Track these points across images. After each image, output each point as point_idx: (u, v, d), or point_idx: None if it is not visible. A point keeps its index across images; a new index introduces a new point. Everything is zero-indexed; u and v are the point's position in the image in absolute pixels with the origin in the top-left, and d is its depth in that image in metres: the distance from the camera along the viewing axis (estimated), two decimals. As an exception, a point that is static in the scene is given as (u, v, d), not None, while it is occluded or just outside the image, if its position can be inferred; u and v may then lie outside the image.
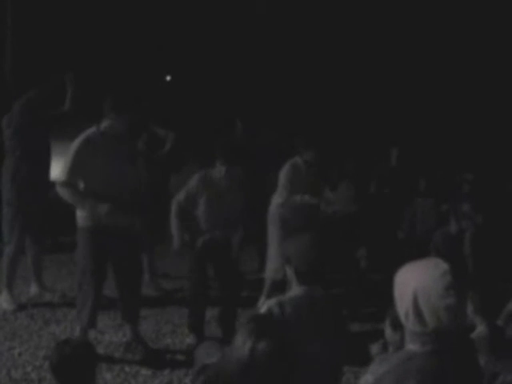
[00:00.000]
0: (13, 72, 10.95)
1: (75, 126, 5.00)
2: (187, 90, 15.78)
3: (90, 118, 4.81)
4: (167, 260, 7.34)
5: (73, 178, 4.54)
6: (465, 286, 2.28)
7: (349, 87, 14.04)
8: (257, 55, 14.67)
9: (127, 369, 4.66)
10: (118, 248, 4.66)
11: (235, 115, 7.75)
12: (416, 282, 2.22)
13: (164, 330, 5.48)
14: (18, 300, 5.94)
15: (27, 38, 11.74)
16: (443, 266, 2.23)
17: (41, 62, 6.08)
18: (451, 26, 13.52)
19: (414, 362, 2.23)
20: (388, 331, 3.20)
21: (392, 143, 8.48)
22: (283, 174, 5.92)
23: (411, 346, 2.27)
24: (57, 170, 4.92)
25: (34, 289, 6.18)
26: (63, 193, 4.55)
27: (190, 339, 5.21)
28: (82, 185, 4.58)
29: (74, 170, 4.53)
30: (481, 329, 4.70)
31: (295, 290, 3.24)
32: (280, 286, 4.52)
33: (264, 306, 3.19)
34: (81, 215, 4.64)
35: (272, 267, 5.92)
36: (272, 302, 3.15)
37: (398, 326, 2.81)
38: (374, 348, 3.32)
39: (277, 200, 6.01)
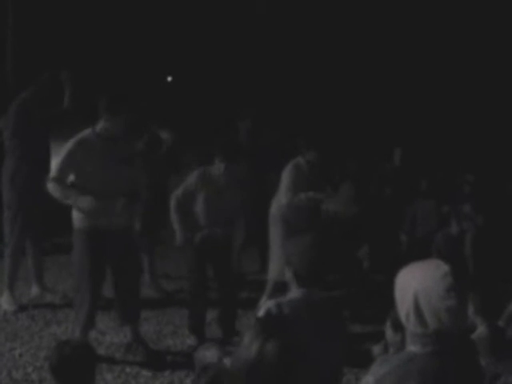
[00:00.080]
0: (14, 72, 10.95)
1: (75, 127, 5.00)
2: (188, 90, 15.79)
3: (91, 118, 4.80)
4: (168, 261, 7.34)
5: (63, 175, 4.55)
6: (466, 287, 2.28)
7: (351, 87, 14.03)
8: (257, 55, 14.67)
9: (128, 370, 4.66)
10: (114, 249, 4.65)
11: (240, 115, 7.72)
12: (417, 283, 2.22)
13: (165, 331, 5.48)
14: (19, 301, 5.94)
15: (28, 38, 11.74)
16: (444, 267, 2.23)
17: (42, 62, 6.08)
18: (454, 27, 13.51)
19: (415, 363, 2.23)
20: (389, 332, 3.21)
21: (395, 143, 8.47)
22: (286, 175, 5.91)
23: (412, 348, 2.27)
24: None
25: (35, 290, 6.18)
26: (51, 188, 4.55)
27: (190, 340, 5.21)
28: (74, 184, 4.59)
29: (65, 169, 4.55)
30: (481, 330, 4.70)
31: (294, 292, 3.24)
32: (282, 288, 4.53)
33: (262, 307, 3.19)
34: (77, 216, 4.64)
35: (275, 268, 5.91)
36: (270, 303, 3.15)
37: (398, 327, 2.81)
38: (376, 349, 3.32)
39: (279, 201, 6.00)
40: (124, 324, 5.01)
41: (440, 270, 2.22)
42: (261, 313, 3.15)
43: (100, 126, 4.64)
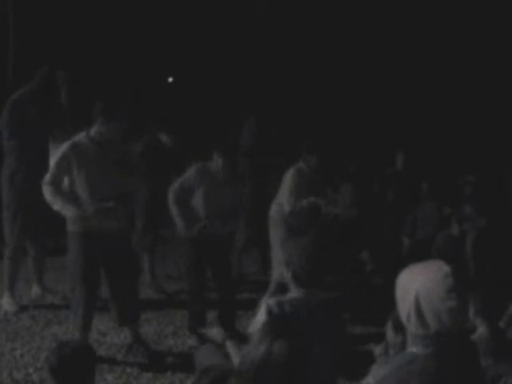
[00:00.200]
0: (14, 72, 10.95)
1: (75, 127, 5.00)
2: (189, 91, 15.79)
3: (91, 119, 4.79)
4: (168, 261, 7.35)
5: (55, 179, 4.56)
6: (466, 289, 2.29)
7: (353, 91, 14.03)
8: (258, 56, 14.67)
9: (129, 370, 4.66)
10: (108, 250, 4.64)
11: (244, 114, 7.70)
12: (418, 285, 2.22)
13: (166, 332, 5.48)
14: (19, 301, 5.94)
15: (29, 37, 11.74)
16: (445, 268, 2.23)
17: (43, 63, 6.08)
18: (457, 31, 13.52)
19: (416, 364, 2.23)
20: (390, 333, 3.21)
21: (397, 147, 8.45)
22: (288, 180, 5.91)
23: (413, 349, 2.27)
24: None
25: (35, 290, 6.18)
26: (44, 191, 4.57)
27: (191, 341, 5.21)
28: (67, 189, 4.60)
29: (58, 172, 4.57)
30: (482, 331, 4.70)
31: (294, 292, 3.26)
32: (284, 289, 4.52)
33: (263, 305, 3.20)
34: (69, 219, 4.65)
35: (279, 270, 5.90)
36: (271, 301, 3.16)
37: (400, 328, 2.81)
38: (377, 350, 3.32)
39: (279, 203, 6.00)
40: (122, 325, 5.01)
41: (441, 271, 2.22)
42: (261, 311, 3.16)
43: (94, 129, 4.63)
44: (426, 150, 10.56)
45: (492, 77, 13.35)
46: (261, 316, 3.14)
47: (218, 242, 5.27)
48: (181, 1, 15.01)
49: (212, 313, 5.43)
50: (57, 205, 4.55)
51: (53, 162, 4.63)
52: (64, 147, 4.59)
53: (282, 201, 5.96)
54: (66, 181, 4.60)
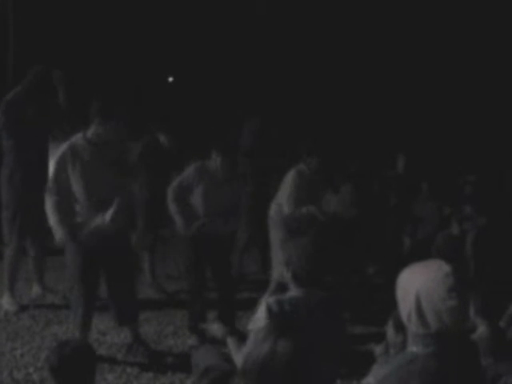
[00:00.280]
0: (14, 71, 10.95)
1: (74, 127, 5.00)
2: (189, 91, 15.79)
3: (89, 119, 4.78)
4: (169, 261, 7.34)
5: (57, 184, 4.58)
6: (467, 288, 2.29)
7: (353, 93, 14.03)
8: (258, 56, 14.68)
9: (129, 370, 4.66)
10: (107, 251, 4.64)
11: (247, 115, 7.69)
12: (419, 284, 2.22)
13: (166, 332, 5.48)
14: (20, 301, 5.94)
15: (29, 37, 11.75)
16: (446, 267, 2.24)
17: (43, 62, 6.07)
18: (457, 33, 13.52)
19: (417, 363, 2.23)
20: (390, 333, 3.21)
21: (398, 149, 8.44)
22: (289, 181, 5.90)
23: (413, 348, 2.27)
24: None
25: (36, 290, 6.18)
26: (46, 201, 4.62)
27: (191, 340, 5.21)
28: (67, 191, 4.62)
29: (59, 176, 4.58)
30: (482, 330, 4.69)
31: (293, 292, 3.26)
32: (284, 288, 4.53)
33: (262, 303, 3.20)
34: None
35: (279, 269, 5.90)
36: (271, 300, 3.17)
37: (400, 327, 2.81)
38: (377, 350, 3.32)
39: (278, 204, 6.00)
40: (121, 325, 5.01)
41: (442, 270, 2.23)
42: (261, 308, 3.16)
43: (91, 131, 4.62)
44: (426, 151, 10.57)
45: (492, 78, 13.36)
46: (260, 313, 3.14)
47: (219, 241, 5.27)
48: (181, 1, 15.01)
49: (212, 312, 5.43)
50: (50, 221, 4.62)
51: (52, 166, 4.63)
52: (61, 149, 4.60)
53: (282, 201, 5.96)
54: (65, 183, 4.61)
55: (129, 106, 5.35)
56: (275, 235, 6.03)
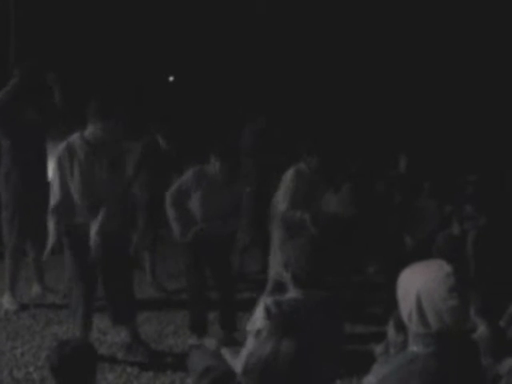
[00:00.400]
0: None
1: (73, 127, 4.99)
2: (190, 90, 15.80)
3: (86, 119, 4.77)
4: (169, 260, 7.34)
5: (62, 195, 4.58)
6: (467, 288, 2.28)
7: (354, 94, 14.02)
8: (258, 56, 14.68)
9: (129, 369, 4.66)
10: (105, 251, 4.62)
11: (250, 115, 7.68)
12: (420, 284, 2.22)
13: (166, 331, 5.48)
14: (20, 300, 5.94)
15: (31, 34, 11.75)
16: (447, 267, 2.23)
17: (44, 61, 6.06)
18: (458, 33, 13.52)
19: (417, 363, 2.23)
20: (391, 332, 3.21)
21: (400, 149, 8.43)
22: (287, 181, 5.89)
23: (414, 348, 2.27)
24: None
25: (36, 289, 6.18)
26: (50, 214, 4.64)
27: (192, 340, 5.20)
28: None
29: (60, 177, 4.58)
30: (482, 330, 4.70)
31: (292, 293, 3.26)
32: (283, 287, 4.55)
33: (260, 304, 3.19)
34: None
35: (277, 268, 5.90)
36: (269, 300, 3.16)
37: (401, 327, 2.81)
38: (378, 349, 3.32)
39: (279, 203, 5.99)
40: (116, 325, 5.00)
41: (443, 270, 2.22)
42: (259, 309, 3.16)
43: (89, 130, 4.61)
44: (428, 151, 10.56)
45: (493, 78, 13.36)
46: (258, 314, 3.13)
47: (219, 242, 5.26)
48: (182, 1, 15.01)
49: (213, 312, 5.43)
50: (49, 222, 4.65)
51: (50, 166, 4.64)
52: (58, 149, 4.61)
53: (279, 199, 5.96)
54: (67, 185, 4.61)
55: (128, 105, 5.34)
56: (275, 234, 6.03)
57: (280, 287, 5.24)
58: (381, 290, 6.36)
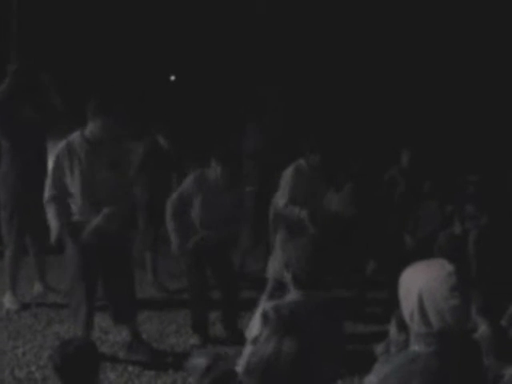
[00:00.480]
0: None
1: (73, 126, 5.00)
2: (192, 89, 15.80)
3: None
4: (171, 259, 7.34)
5: (55, 183, 4.60)
6: (469, 287, 2.29)
7: (355, 89, 14.01)
8: (258, 55, 14.67)
9: (131, 368, 4.67)
10: (104, 249, 4.63)
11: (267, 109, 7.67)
12: (421, 283, 2.22)
13: (168, 330, 5.48)
14: (21, 300, 5.94)
15: (32, 35, 11.75)
16: (448, 267, 2.24)
17: (46, 61, 6.07)
18: (460, 29, 13.51)
19: (418, 362, 2.23)
20: (393, 331, 3.21)
21: (402, 145, 8.42)
22: (286, 177, 5.88)
23: (415, 347, 2.28)
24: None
25: (37, 288, 6.19)
26: (45, 206, 4.64)
27: (194, 339, 5.21)
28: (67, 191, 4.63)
29: (56, 175, 4.60)
30: (483, 329, 4.70)
31: (293, 294, 3.25)
32: (283, 286, 4.58)
33: (260, 307, 3.19)
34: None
35: (276, 267, 5.90)
36: (268, 305, 3.15)
37: (403, 326, 2.81)
38: (379, 349, 3.32)
39: (278, 202, 6.00)
40: (117, 323, 5.01)
41: (444, 269, 2.22)
42: (257, 315, 3.16)
43: (89, 129, 4.61)
44: (430, 150, 10.55)
45: (495, 77, 13.35)
46: (256, 320, 3.13)
47: (220, 242, 5.27)
48: (182, 0, 15.02)
49: (214, 312, 5.43)
50: (47, 215, 4.67)
51: (51, 165, 4.64)
52: (58, 149, 4.62)
53: (278, 196, 5.96)
54: (63, 183, 4.62)
55: (128, 104, 5.34)
56: (276, 235, 6.03)
57: (280, 287, 5.25)
58: (381, 290, 6.36)
